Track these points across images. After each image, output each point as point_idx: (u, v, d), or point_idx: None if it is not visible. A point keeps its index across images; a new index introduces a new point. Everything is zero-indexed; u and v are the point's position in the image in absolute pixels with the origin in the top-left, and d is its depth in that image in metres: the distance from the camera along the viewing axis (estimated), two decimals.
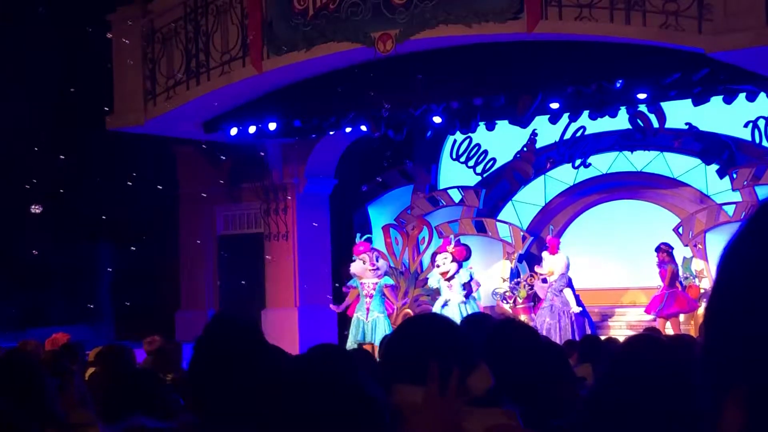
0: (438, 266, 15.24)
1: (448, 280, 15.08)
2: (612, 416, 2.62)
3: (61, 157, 17.68)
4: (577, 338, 12.74)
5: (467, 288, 15.13)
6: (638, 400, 2.58)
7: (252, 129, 15.53)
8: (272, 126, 15.33)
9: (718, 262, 1.08)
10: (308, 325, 16.29)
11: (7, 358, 3.47)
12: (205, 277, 17.53)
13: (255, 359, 2.39)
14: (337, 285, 16.60)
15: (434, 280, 15.39)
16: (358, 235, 16.00)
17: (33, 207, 16.76)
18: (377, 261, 15.57)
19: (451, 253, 15.19)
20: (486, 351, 3.43)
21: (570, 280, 14.84)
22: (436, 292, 15.54)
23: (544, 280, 15.16)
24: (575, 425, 2.76)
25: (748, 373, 0.89)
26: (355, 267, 15.50)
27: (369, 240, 15.91)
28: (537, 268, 15.42)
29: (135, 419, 2.01)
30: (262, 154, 16.63)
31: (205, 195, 17.55)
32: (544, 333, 13.88)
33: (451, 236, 15.87)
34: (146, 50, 15.32)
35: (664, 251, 14.63)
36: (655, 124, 15.66)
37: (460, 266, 15.14)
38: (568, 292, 14.69)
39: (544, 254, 15.12)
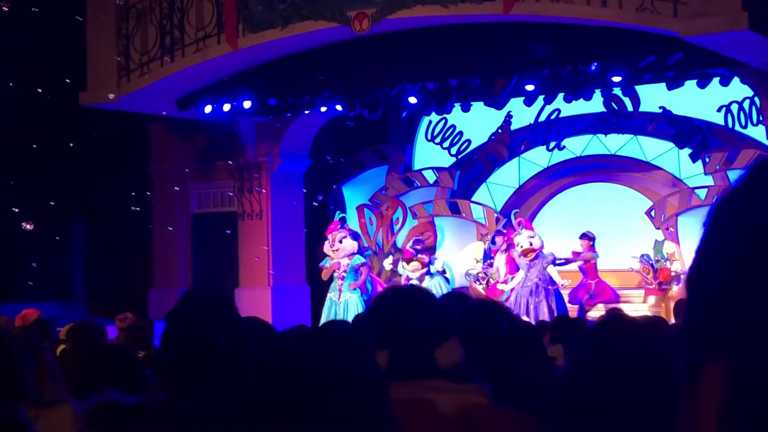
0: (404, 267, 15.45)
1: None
2: (588, 393, 2.65)
3: (34, 133, 17.53)
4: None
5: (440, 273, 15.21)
6: (612, 377, 2.61)
7: (226, 107, 15.45)
8: (247, 104, 15.26)
9: (705, 220, 1.02)
10: (281, 304, 16.27)
11: None
12: (178, 255, 17.46)
13: (227, 334, 2.38)
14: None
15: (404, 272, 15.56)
16: (338, 212, 16.03)
17: (24, 224, 16.85)
18: (341, 242, 15.46)
19: (419, 261, 15.32)
20: (461, 329, 3.45)
21: (554, 258, 14.90)
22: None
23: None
24: (552, 403, 2.78)
25: (731, 343, 0.86)
26: (325, 246, 15.58)
27: (342, 219, 15.90)
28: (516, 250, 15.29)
29: (106, 394, 2.00)
30: (235, 131, 16.55)
31: (178, 173, 17.46)
32: (522, 312, 13.99)
33: (408, 247, 15.92)
34: (120, 26, 15.19)
35: (589, 239, 14.80)
36: (630, 108, 15.72)
37: (428, 267, 15.28)
38: (552, 269, 14.73)
39: (525, 232, 14.96)
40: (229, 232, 17.01)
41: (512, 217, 15.43)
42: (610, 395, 2.66)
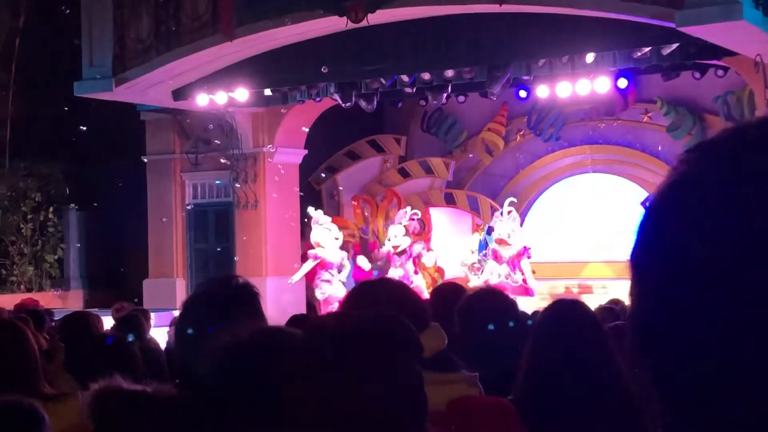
0: (389, 239, 15.13)
1: (399, 254, 14.95)
2: (543, 376, 2.67)
3: (30, 122, 17.51)
4: None
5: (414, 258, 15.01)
6: (562, 355, 2.64)
7: (222, 97, 15.42)
8: (242, 94, 15.23)
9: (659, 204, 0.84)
10: (277, 294, 16.26)
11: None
12: (174, 245, 17.44)
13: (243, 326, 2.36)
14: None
15: (387, 247, 15.25)
16: (311, 208, 15.67)
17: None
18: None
19: (405, 226, 15.07)
20: (459, 319, 3.47)
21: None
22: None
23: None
24: (517, 397, 2.78)
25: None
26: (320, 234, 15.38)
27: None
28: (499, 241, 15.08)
29: (112, 380, 2.00)
30: (230, 122, 16.53)
31: (173, 163, 17.45)
32: None
33: (408, 208, 15.71)
34: (116, 15, 15.14)
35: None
36: (625, 98, 15.73)
37: (413, 242, 15.05)
38: (525, 262, 14.70)
39: (508, 223, 14.80)
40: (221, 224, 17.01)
41: (506, 204, 15.12)
42: (562, 384, 2.68)
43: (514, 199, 15.26)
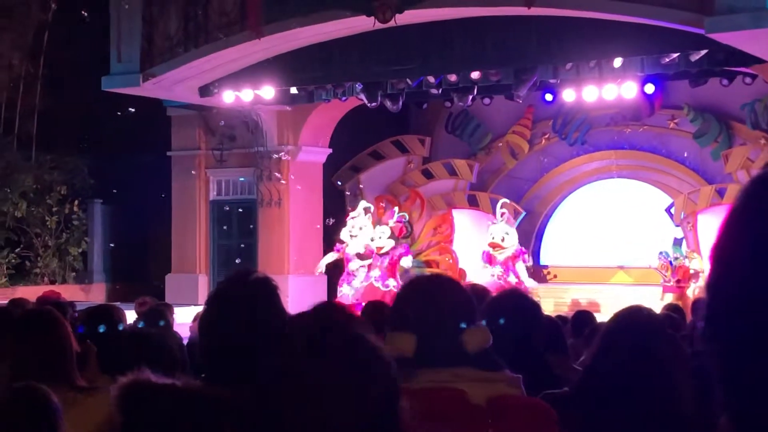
0: (372, 239, 15.07)
1: (380, 255, 14.92)
2: (608, 384, 2.67)
3: (55, 116, 17.62)
4: None
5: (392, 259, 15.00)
6: (630, 370, 2.64)
7: (248, 94, 15.47)
8: (268, 92, 15.27)
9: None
10: (299, 292, 16.28)
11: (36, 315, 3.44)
12: (197, 241, 17.50)
13: (266, 322, 2.37)
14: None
15: (371, 246, 15.21)
16: (363, 202, 15.76)
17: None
18: (360, 230, 15.27)
19: (391, 228, 15.07)
20: (486, 320, 3.47)
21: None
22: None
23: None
24: (573, 394, 2.79)
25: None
26: (342, 232, 15.42)
27: (366, 209, 15.69)
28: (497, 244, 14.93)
29: (141, 372, 2.02)
30: (256, 119, 16.58)
31: (198, 159, 17.51)
32: None
33: (396, 209, 15.71)
34: (145, 12, 15.22)
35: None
36: (652, 104, 15.66)
37: (396, 244, 15.01)
38: (521, 266, 14.70)
39: (502, 225, 14.83)
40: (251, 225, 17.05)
41: (498, 205, 15.11)
42: (629, 387, 2.68)
43: (507, 200, 15.29)
